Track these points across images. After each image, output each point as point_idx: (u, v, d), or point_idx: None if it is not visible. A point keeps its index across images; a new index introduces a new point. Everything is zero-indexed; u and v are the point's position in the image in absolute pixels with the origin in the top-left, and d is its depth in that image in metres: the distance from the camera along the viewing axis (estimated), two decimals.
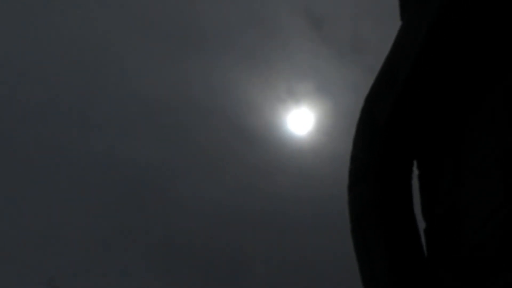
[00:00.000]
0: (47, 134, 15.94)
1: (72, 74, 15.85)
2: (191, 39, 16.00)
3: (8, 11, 15.25)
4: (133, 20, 15.85)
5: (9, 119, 15.61)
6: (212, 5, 15.80)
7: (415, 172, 1.82)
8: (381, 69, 1.81)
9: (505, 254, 1.50)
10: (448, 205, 1.71)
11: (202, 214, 16.36)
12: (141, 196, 16.26)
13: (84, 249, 15.97)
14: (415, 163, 1.82)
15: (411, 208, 1.77)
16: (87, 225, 16.22)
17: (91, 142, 16.21)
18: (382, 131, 1.74)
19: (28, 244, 15.66)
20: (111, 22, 15.77)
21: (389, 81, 1.76)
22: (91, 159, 16.03)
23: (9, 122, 15.59)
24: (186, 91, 16.11)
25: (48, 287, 13.84)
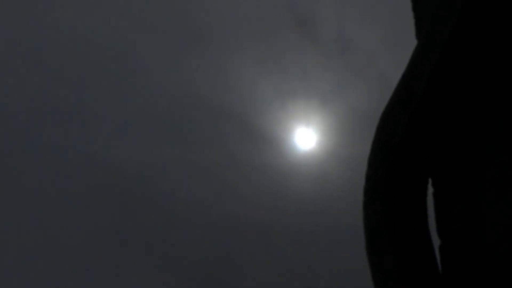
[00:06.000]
0: (45, 134, 15.90)
1: (80, 72, 15.81)
2: (201, 37, 15.97)
3: (18, 2, 15.19)
4: (145, 18, 15.80)
5: (8, 121, 15.59)
6: (222, 4, 15.78)
7: (430, 189, 1.83)
8: (396, 87, 1.82)
9: None
10: (464, 220, 1.72)
11: (206, 217, 16.34)
12: (144, 197, 16.23)
13: (82, 252, 15.94)
14: (430, 181, 1.83)
15: (426, 226, 1.78)
16: (86, 227, 16.19)
17: (93, 141, 16.17)
18: (397, 150, 1.75)
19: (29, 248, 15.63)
20: (122, 20, 15.73)
21: (404, 100, 1.76)
22: (92, 160, 15.99)
23: (8, 124, 15.56)
24: (196, 89, 16.08)
25: None
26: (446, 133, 1.77)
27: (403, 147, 1.74)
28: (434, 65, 1.68)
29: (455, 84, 1.71)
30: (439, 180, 1.82)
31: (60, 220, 16.41)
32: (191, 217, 16.32)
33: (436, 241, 1.82)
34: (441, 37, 1.68)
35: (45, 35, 15.47)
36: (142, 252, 16.44)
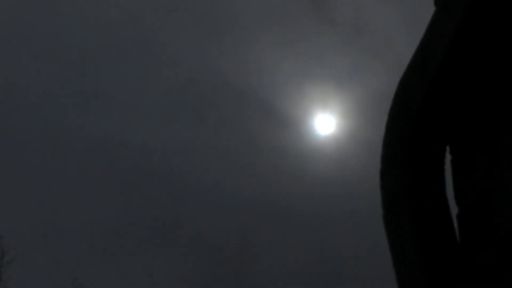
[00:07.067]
0: (54, 118, 15.94)
1: (101, 56, 15.80)
2: (221, 22, 15.90)
3: None
4: (166, 2, 15.76)
5: (12, 106, 15.63)
6: None
7: (448, 157, 1.83)
8: (414, 55, 1.81)
9: None
10: (482, 190, 1.71)
11: (225, 199, 16.30)
12: (163, 179, 16.26)
13: (100, 234, 16.00)
14: (448, 148, 1.83)
15: (444, 193, 1.78)
16: (105, 209, 16.25)
17: (113, 124, 16.20)
18: (415, 118, 1.74)
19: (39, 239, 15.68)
20: (144, 3, 15.69)
21: (422, 68, 1.75)
22: (112, 142, 16.06)
23: (12, 108, 15.60)
24: (216, 73, 16.02)
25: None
26: (465, 101, 1.75)
27: (421, 114, 1.73)
28: (452, 31, 1.66)
29: (473, 51, 1.69)
30: (457, 148, 1.81)
31: (79, 203, 16.51)
32: (210, 199, 16.36)
33: (454, 210, 1.82)
34: (460, 2, 1.65)
35: (67, 19, 15.53)
36: (160, 234, 16.52)
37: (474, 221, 1.73)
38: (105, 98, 16.64)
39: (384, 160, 1.81)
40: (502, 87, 1.70)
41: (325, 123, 15.53)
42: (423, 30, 1.80)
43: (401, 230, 1.76)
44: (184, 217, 16.62)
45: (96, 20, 15.72)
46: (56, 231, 16.32)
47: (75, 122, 16.31)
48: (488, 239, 1.68)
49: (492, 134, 1.69)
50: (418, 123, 1.74)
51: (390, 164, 1.78)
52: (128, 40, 15.82)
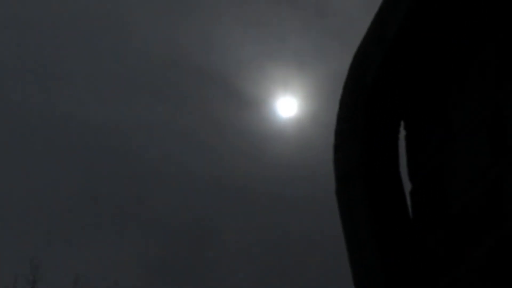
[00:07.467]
0: (25, 93, 15.67)
1: (61, 30, 15.52)
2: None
3: None
4: None
5: None
6: None
7: (402, 133, 1.80)
8: (370, 26, 1.77)
9: (491, 215, 1.50)
10: (434, 166, 1.69)
11: (184, 179, 16.25)
12: (121, 157, 16.13)
13: (59, 214, 15.83)
14: (402, 124, 1.80)
15: (397, 169, 1.76)
16: (64, 188, 16.07)
17: (72, 101, 15.98)
18: (369, 91, 1.71)
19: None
20: None
21: (378, 39, 1.72)
22: (71, 120, 15.84)
23: None
24: (179, 51, 15.88)
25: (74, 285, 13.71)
26: (420, 74, 1.73)
27: (376, 86, 1.70)
28: (408, 3, 1.63)
29: (431, 23, 1.67)
30: (411, 123, 1.79)
31: (40, 181, 16.27)
32: (170, 179, 16.28)
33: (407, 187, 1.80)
34: None
35: None
36: (119, 213, 16.41)
37: (426, 198, 1.72)
38: (63, 75, 16.36)
39: (338, 134, 1.78)
40: (456, 58, 1.68)
41: (287, 105, 15.54)
42: None
43: (354, 205, 1.73)
44: (143, 195, 16.51)
45: None
46: (13, 211, 16.06)
47: (32, 99, 16.00)
48: (439, 217, 1.66)
49: (445, 108, 1.68)
50: (373, 95, 1.70)
51: (344, 138, 1.75)
52: (87, 15, 15.53)
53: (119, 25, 15.92)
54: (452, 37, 1.68)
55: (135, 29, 15.91)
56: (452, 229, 1.61)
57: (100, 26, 15.72)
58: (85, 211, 15.96)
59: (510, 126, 1.49)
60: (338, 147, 1.77)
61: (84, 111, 16.06)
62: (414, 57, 1.69)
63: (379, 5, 1.74)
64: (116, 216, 16.42)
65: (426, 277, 1.67)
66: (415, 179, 1.77)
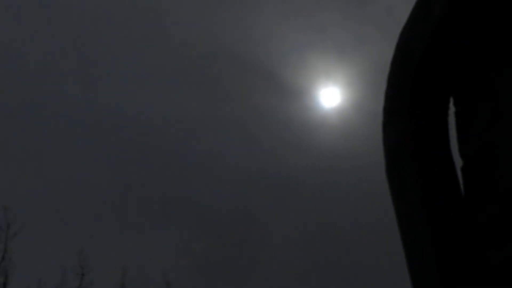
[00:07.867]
0: (53, 88, 15.88)
1: (107, 25, 15.69)
2: None
3: None
4: None
5: (16, 73, 15.56)
6: None
7: (452, 109, 1.78)
8: (415, 4, 1.76)
9: None
10: (485, 141, 1.67)
11: (230, 171, 16.30)
12: (168, 149, 16.27)
13: (103, 205, 16.01)
14: (452, 100, 1.78)
15: (448, 145, 1.74)
16: (109, 180, 16.25)
17: (119, 95, 16.15)
18: (417, 67, 1.70)
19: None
20: None
21: (424, 16, 1.71)
22: (118, 113, 16.03)
23: (16, 75, 15.52)
24: (222, 43, 15.92)
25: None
26: (470, 49, 1.71)
27: (424, 63, 1.68)
28: None
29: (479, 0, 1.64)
30: (461, 99, 1.77)
31: (89, 175, 16.52)
32: (214, 171, 16.37)
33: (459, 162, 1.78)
34: None
35: None
36: (165, 205, 16.57)
37: (478, 174, 1.70)
38: (105, 68, 16.57)
39: (386, 112, 1.77)
40: (506, 34, 1.65)
41: (329, 95, 15.48)
42: None
43: (405, 184, 1.72)
44: (188, 188, 16.67)
45: None
46: (60, 203, 16.37)
47: (75, 91, 16.26)
48: (491, 193, 1.64)
49: (495, 84, 1.65)
50: (420, 72, 1.69)
51: (392, 116, 1.74)
52: (130, 8, 15.71)
53: (162, 19, 16.05)
54: (503, 13, 1.66)
55: (178, 24, 16.05)
56: (505, 204, 1.59)
57: (143, 20, 15.87)
58: (133, 204, 16.19)
59: None
60: (386, 125, 1.77)
61: (132, 106, 16.28)
62: (463, 33, 1.67)
63: None
64: (163, 209, 16.62)
65: (479, 254, 1.65)
66: (466, 156, 1.75)
